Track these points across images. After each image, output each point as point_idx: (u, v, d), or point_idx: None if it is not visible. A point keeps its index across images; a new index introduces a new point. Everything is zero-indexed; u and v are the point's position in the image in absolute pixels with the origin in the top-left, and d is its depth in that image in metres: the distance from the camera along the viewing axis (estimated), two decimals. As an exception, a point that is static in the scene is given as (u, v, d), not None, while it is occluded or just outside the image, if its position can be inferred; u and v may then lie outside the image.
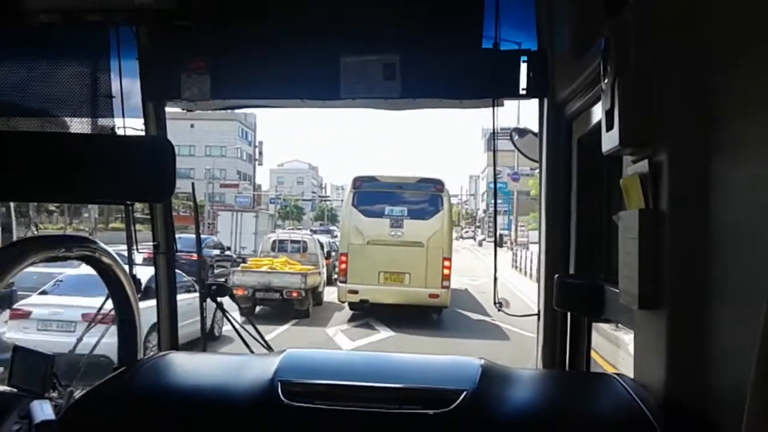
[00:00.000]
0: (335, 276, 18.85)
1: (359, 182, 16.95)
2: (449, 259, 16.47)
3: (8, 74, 2.92)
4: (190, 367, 1.91)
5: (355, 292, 16.34)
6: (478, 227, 73.58)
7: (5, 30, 2.82)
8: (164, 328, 3.02)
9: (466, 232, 76.59)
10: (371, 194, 16.69)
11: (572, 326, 2.57)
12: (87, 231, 34.79)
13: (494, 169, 3.20)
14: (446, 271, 16.29)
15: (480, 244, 57.93)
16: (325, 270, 20.18)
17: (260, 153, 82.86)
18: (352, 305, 16.94)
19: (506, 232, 45.97)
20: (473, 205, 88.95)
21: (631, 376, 1.66)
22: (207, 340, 3.34)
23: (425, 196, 16.72)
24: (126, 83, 2.87)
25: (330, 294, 18.84)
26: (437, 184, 16.93)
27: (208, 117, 62.10)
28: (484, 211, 72.31)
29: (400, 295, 16.12)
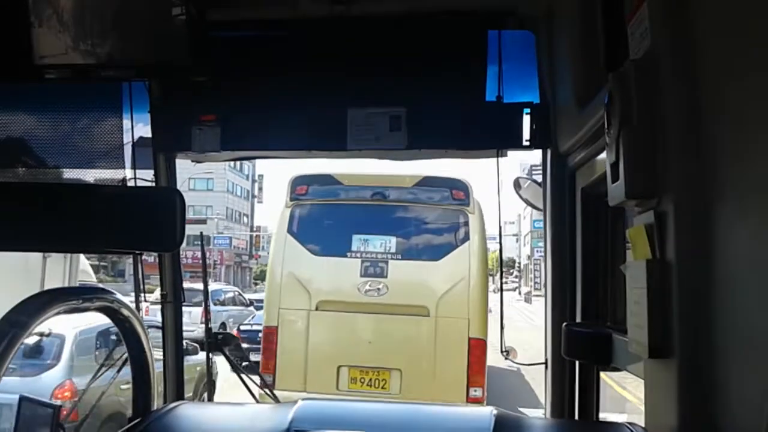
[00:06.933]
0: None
1: (303, 188, 8.28)
2: (484, 344, 7.73)
3: (22, 126, 2.98)
4: (203, 417, 1.91)
5: None
6: (520, 276, 59.51)
7: (20, 83, 2.90)
8: (171, 379, 3.01)
9: (505, 282, 58.71)
10: (325, 210, 8.36)
11: (581, 374, 2.56)
12: None
13: (499, 220, 3.23)
14: (477, 368, 7.69)
15: (527, 300, 41.40)
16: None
17: (260, 189, 70.05)
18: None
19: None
20: (515, 251, 65.95)
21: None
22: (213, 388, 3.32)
23: (435, 212, 8.22)
24: (137, 135, 2.94)
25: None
26: (457, 189, 8.21)
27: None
28: (529, 257, 57.57)
29: None
